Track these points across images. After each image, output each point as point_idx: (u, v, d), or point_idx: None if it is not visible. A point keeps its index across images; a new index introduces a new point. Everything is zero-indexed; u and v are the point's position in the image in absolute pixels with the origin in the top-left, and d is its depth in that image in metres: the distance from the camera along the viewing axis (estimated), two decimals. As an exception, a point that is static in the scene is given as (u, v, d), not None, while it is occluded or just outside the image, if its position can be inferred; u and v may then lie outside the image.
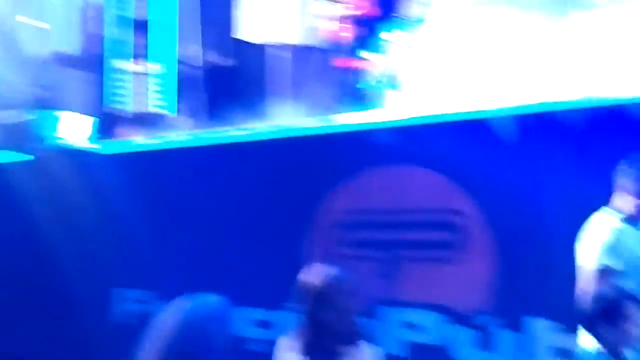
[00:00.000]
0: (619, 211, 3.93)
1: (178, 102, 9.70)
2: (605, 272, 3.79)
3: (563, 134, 4.83)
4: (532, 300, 4.91)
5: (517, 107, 5.12)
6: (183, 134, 7.28)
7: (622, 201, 3.93)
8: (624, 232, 3.87)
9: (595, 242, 3.89)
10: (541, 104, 5.05)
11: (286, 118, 7.13)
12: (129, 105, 9.43)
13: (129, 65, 9.47)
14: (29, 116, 8.15)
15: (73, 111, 8.39)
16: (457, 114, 5.48)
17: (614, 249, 3.82)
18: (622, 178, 3.94)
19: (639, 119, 4.57)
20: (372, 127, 5.74)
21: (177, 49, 9.55)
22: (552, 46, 5.74)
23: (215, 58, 9.66)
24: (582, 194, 4.69)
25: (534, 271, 4.91)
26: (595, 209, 4.28)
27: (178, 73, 9.75)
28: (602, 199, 4.11)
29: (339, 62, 7.57)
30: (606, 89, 5.05)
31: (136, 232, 6.61)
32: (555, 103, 5.01)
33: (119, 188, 6.74)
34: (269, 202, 6.02)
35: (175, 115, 9.43)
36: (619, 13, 5.96)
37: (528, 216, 5.01)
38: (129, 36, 9.53)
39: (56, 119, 8.11)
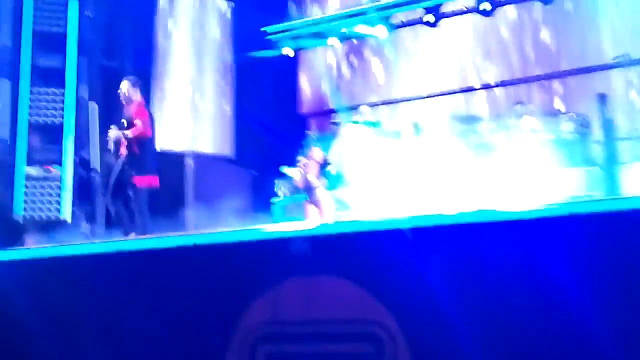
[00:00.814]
0: None
1: (74, 207, 9.31)
2: None
3: (493, 245, 4.84)
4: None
5: (438, 217, 5.14)
6: (90, 240, 6.99)
7: None
8: None
9: None
10: (468, 213, 5.04)
11: (196, 226, 6.96)
12: (36, 212, 9.07)
13: (38, 171, 9.17)
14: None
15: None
16: (373, 222, 5.47)
17: None
18: None
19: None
20: (289, 236, 5.65)
21: (73, 152, 9.30)
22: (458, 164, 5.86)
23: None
24: (504, 306, 4.70)
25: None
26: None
27: (75, 178, 9.41)
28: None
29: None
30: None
31: (35, 342, 6.20)
32: (480, 212, 5.03)
33: (17, 297, 6.36)
34: (183, 316, 5.70)
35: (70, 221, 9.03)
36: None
37: (447, 329, 4.95)
38: (40, 141, 9.29)
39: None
